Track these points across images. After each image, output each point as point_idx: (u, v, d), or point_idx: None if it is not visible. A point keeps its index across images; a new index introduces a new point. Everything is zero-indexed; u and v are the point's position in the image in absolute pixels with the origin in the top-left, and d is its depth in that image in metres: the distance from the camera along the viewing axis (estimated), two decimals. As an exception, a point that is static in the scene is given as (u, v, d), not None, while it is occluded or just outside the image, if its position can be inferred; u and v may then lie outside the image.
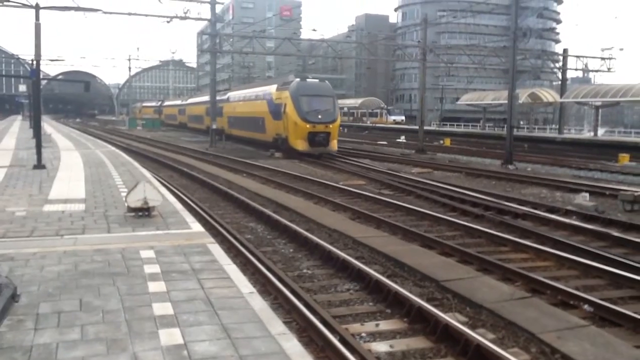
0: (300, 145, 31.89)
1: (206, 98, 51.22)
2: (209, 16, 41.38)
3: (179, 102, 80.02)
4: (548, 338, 6.75)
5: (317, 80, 35.02)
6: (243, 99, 43.93)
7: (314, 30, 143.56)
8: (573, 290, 8.67)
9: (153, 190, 11.91)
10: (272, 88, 36.77)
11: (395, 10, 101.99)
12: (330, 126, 32.20)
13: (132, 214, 11.30)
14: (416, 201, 16.82)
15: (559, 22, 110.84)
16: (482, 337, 6.55)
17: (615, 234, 12.42)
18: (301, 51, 67.15)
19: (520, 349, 6.67)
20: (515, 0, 40.95)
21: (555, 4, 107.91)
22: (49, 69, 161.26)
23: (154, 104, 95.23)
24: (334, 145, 32.63)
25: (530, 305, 7.91)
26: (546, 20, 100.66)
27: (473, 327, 7.20)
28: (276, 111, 34.66)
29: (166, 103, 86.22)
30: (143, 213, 11.27)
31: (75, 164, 21.67)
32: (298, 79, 34.05)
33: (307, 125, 31.70)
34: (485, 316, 7.68)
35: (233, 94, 48.19)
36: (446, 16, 68.23)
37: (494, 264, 10.16)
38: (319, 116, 31.95)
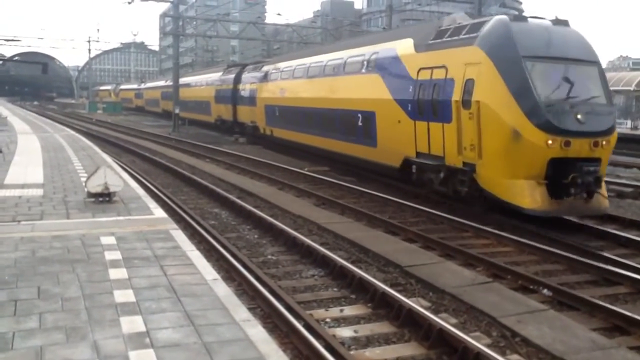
0: (519, 193, 11.92)
1: (211, 76, 42.38)
2: (171, -2, 40.53)
3: (162, 83, 64.96)
4: (508, 322, 6.89)
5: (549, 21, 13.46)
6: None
7: (279, 14, 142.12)
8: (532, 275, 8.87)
9: (114, 175, 11.66)
10: (403, 44, 16.30)
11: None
12: (603, 142, 12.19)
13: (93, 199, 11.05)
14: (381, 188, 16.91)
15: (521, 12, 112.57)
16: (445, 322, 6.64)
17: None
18: (266, 35, 66.45)
19: (482, 333, 6.79)
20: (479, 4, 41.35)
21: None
22: (4, 49, 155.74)
23: (134, 86, 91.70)
24: (603, 193, 12.45)
25: (492, 290, 8.06)
26: (509, 10, 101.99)
27: (436, 312, 7.29)
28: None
29: (148, 85, 76.62)
30: (104, 199, 11.03)
31: (32, 148, 21.05)
32: (505, 17, 13.29)
33: (548, 141, 11.69)
34: (447, 301, 7.78)
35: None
36: (411, 3, 68.40)
37: (456, 250, 10.31)
38: (578, 117, 11.98)
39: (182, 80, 49.98)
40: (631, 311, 7.33)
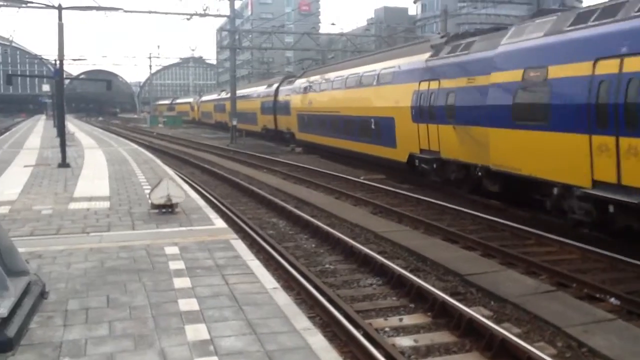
0: None
1: (257, 89, 46.37)
2: (228, 12, 41.56)
3: (215, 96, 66.53)
4: (574, 332, 6.69)
5: None
6: None
7: (333, 24, 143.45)
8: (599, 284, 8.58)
9: (176, 187, 12.03)
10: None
11: (415, 2, 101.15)
12: None
13: (156, 210, 11.43)
14: (438, 195, 16.71)
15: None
16: (507, 332, 6.51)
17: None
18: (320, 45, 67.02)
19: (547, 343, 6.62)
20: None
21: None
22: (71, 68, 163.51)
23: (190, 100, 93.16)
24: None
25: (556, 299, 7.84)
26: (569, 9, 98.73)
27: (498, 322, 7.15)
28: None
29: (203, 99, 77.48)
30: (166, 210, 11.39)
31: (98, 162, 21.96)
32: None
33: None
34: (510, 310, 7.62)
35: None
36: (466, 7, 67.47)
37: (518, 258, 10.08)
38: None
39: (215, 96, 53.28)
40: None
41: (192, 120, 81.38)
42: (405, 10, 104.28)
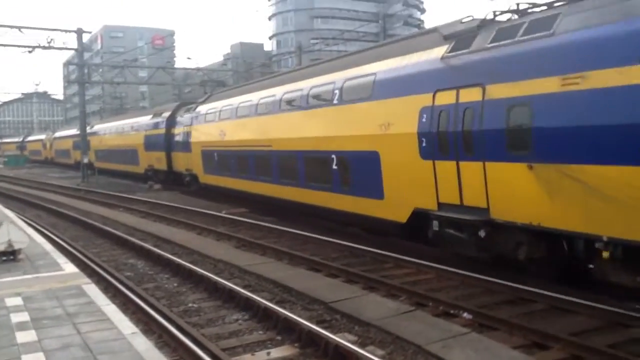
0: None
1: (138, 120, 37.30)
2: (75, 45, 39.41)
3: (74, 131, 54.62)
4: (434, 348, 6.99)
5: None
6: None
7: (189, 58, 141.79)
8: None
9: (18, 231, 11.01)
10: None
11: (270, 38, 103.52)
12: None
13: (-5, 259, 10.33)
14: (301, 226, 16.91)
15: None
16: (372, 354, 6.64)
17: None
18: (176, 80, 65.97)
19: (409, 362, 6.83)
20: (384, 31, 43.20)
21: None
22: None
23: (41, 137, 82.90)
24: None
25: (415, 318, 8.17)
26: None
27: (363, 345, 7.28)
28: None
29: (58, 134, 68.04)
30: (8, 257, 10.36)
31: None
32: None
33: None
34: (373, 333, 7.80)
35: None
36: (319, 44, 70.26)
37: (378, 281, 10.41)
38: None
39: (99, 127, 46.57)
40: (547, 327, 7.64)
41: (45, 160, 72.01)
42: (261, 45, 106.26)
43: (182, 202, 23.93)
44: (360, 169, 13.49)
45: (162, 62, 67.84)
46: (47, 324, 6.79)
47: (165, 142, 30.60)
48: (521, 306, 8.94)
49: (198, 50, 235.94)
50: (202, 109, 25.62)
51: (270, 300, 9.17)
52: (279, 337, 7.89)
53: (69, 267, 10.04)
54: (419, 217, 11.57)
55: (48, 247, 12.05)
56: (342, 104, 14.35)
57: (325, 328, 7.78)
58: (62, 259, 10.75)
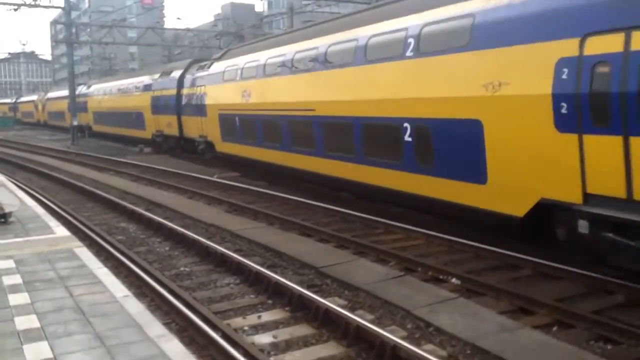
0: None
1: (143, 79, 33.09)
2: (62, 4, 38.68)
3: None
4: (421, 313, 7.13)
5: None
6: None
7: (179, 19, 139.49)
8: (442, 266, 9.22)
9: (9, 194, 11.00)
10: None
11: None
12: None
13: (-15, 221, 10.33)
14: (292, 191, 16.96)
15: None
16: (361, 318, 6.77)
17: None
18: (165, 41, 64.93)
19: (397, 326, 6.97)
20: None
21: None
22: None
23: (33, 97, 76.65)
24: None
25: (404, 283, 8.30)
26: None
27: (352, 310, 7.41)
28: None
29: (50, 95, 62.75)
30: (-2, 220, 10.34)
31: None
32: None
33: None
34: (363, 298, 7.94)
35: None
36: (311, 4, 69.23)
37: (368, 247, 10.52)
38: None
39: (98, 86, 43.18)
40: (533, 292, 7.79)
41: (37, 122, 68.31)
42: (252, 6, 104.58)
43: (173, 166, 23.87)
44: (448, 143, 10.44)
45: (151, 22, 66.60)
46: (39, 287, 6.84)
47: (177, 105, 26.99)
48: (508, 272, 9.09)
49: (188, 11, 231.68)
50: (219, 66, 22.22)
51: (261, 265, 9.27)
52: (270, 301, 8.00)
53: (61, 231, 10.06)
54: (546, 211, 8.62)
55: (39, 210, 12.04)
56: (420, 57, 11.09)
57: (315, 292, 7.89)
58: (53, 222, 10.76)
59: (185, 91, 26.05)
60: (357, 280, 8.43)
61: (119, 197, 16.19)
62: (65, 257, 8.16)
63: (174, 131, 27.94)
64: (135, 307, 6.24)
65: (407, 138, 11.38)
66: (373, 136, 12.66)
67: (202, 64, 25.31)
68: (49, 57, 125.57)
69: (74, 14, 46.70)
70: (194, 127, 24.94)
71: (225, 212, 14.27)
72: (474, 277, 8.63)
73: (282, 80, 16.82)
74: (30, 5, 34.96)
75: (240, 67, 19.99)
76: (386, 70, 12.19)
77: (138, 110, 32.76)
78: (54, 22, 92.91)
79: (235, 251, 10.19)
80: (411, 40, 11.40)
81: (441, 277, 8.85)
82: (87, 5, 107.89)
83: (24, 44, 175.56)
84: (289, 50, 16.67)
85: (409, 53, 11.46)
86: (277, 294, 8.10)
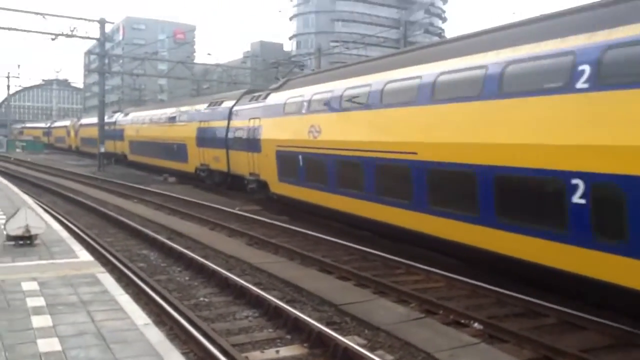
0: None
1: (188, 109, 31.05)
2: (97, 35, 39.82)
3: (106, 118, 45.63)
4: (442, 357, 7.00)
5: None
6: None
7: (209, 54, 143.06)
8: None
9: (35, 216, 11.14)
10: None
11: (290, 39, 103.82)
12: None
13: (12, 243, 10.48)
14: (313, 226, 16.95)
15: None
16: (381, 359, 6.67)
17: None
18: (195, 75, 66.33)
19: (417, 368, 6.85)
20: (404, 38, 43.12)
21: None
22: None
23: (66, 123, 73.66)
24: None
25: (425, 325, 8.18)
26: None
27: (372, 349, 7.31)
28: None
29: (84, 122, 59.63)
30: (24, 242, 10.49)
31: (-56, 189, 19.81)
32: None
33: None
34: (383, 338, 7.83)
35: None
36: (339, 46, 70.37)
37: (389, 287, 10.42)
38: None
39: (136, 114, 41.12)
40: (557, 342, 7.61)
41: (69, 148, 66.95)
42: (281, 45, 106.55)
43: (195, 196, 24.05)
44: None
45: (182, 56, 68.22)
46: (62, 310, 6.88)
47: (226, 138, 24.86)
48: (532, 319, 8.91)
49: (218, 47, 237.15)
50: (279, 97, 19.68)
51: (280, 299, 9.22)
52: (288, 336, 7.94)
53: (84, 255, 10.14)
54: None
55: (64, 233, 12.18)
56: (601, 90, 8.20)
57: (334, 330, 7.81)
58: (77, 246, 10.86)
59: (235, 123, 23.91)
60: (377, 320, 8.33)
61: (142, 225, 16.33)
62: (88, 282, 8.21)
63: (221, 166, 25.58)
64: (156, 335, 6.23)
65: (576, 199, 8.39)
66: (514, 192, 9.66)
67: (257, 94, 23.38)
68: (81, 85, 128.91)
69: (107, 45, 48.03)
70: (243, 163, 22.52)
71: (246, 245, 14.30)
72: (497, 322, 8.47)
73: (367, 115, 14.04)
74: (67, 35, 36.03)
75: (306, 98, 17.26)
76: (545, 105, 9.11)
77: (181, 141, 30.72)
78: (88, 52, 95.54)
79: (255, 284, 10.17)
80: (585, 68, 8.51)
81: (463, 321, 8.70)
82: (121, 37, 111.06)
83: (57, 72, 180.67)
84: (376, 80, 13.89)
85: (581, 84, 8.53)
86: (295, 330, 8.03)
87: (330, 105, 15.79)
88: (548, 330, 8.39)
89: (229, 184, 25.48)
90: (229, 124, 24.69)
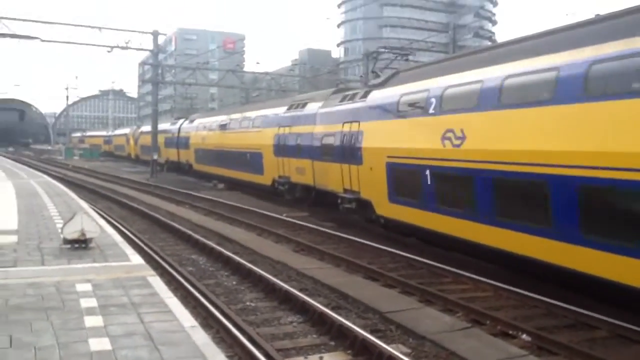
0: None
1: (265, 112, 27.27)
2: (150, 47, 41.02)
3: (166, 126, 46.77)
4: (489, 367, 6.87)
5: None
6: None
7: (258, 63, 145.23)
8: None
9: (91, 221, 11.52)
10: None
11: (338, 45, 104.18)
12: None
13: (68, 246, 10.87)
14: (359, 233, 16.92)
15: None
16: (426, 368, 6.61)
17: None
18: (244, 83, 67.36)
19: (462, 378, 6.75)
20: (453, 42, 42.63)
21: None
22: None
23: (126, 131, 71.43)
24: None
25: (471, 336, 8.05)
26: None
27: (416, 359, 7.25)
28: None
29: (143, 129, 56.35)
30: (80, 245, 10.86)
31: (6, 195, 20.74)
32: None
33: None
34: (428, 347, 7.75)
35: None
36: (386, 52, 70.12)
37: (435, 295, 10.31)
38: None
39: (203, 120, 37.77)
40: (609, 355, 7.37)
41: (128, 156, 65.44)
42: (329, 52, 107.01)
43: (244, 202, 24.40)
44: None
45: (232, 65, 69.34)
46: (113, 311, 7.10)
47: (310, 147, 21.05)
48: (583, 331, 8.65)
49: (267, 55, 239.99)
50: (386, 94, 15.92)
51: (326, 306, 9.26)
52: (332, 343, 7.96)
53: (136, 259, 10.43)
54: None
55: (117, 238, 12.55)
56: None
57: (379, 338, 7.78)
58: (129, 250, 11.18)
59: (323, 128, 20.01)
60: (423, 329, 8.26)
61: (191, 230, 16.68)
62: (138, 285, 8.44)
63: (306, 179, 21.63)
64: (202, 337, 6.35)
65: None
66: None
67: (350, 92, 19.51)
68: (135, 95, 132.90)
69: (160, 56, 49.27)
70: (333, 177, 18.78)
71: (292, 251, 14.41)
72: (546, 334, 8.26)
73: (556, 112, 9.68)
74: (122, 48, 37.34)
75: (436, 93, 13.23)
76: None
77: (255, 149, 26.99)
78: (142, 63, 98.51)
79: (300, 290, 10.24)
80: None
81: (510, 332, 8.52)
82: (173, 48, 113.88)
83: (113, 82, 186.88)
84: (564, 61, 9.69)
85: None
86: (340, 336, 8.04)
87: (474, 101, 11.81)
88: (600, 343, 8.13)
89: (313, 199, 21.88)
90: (313, 129, 20.99)
